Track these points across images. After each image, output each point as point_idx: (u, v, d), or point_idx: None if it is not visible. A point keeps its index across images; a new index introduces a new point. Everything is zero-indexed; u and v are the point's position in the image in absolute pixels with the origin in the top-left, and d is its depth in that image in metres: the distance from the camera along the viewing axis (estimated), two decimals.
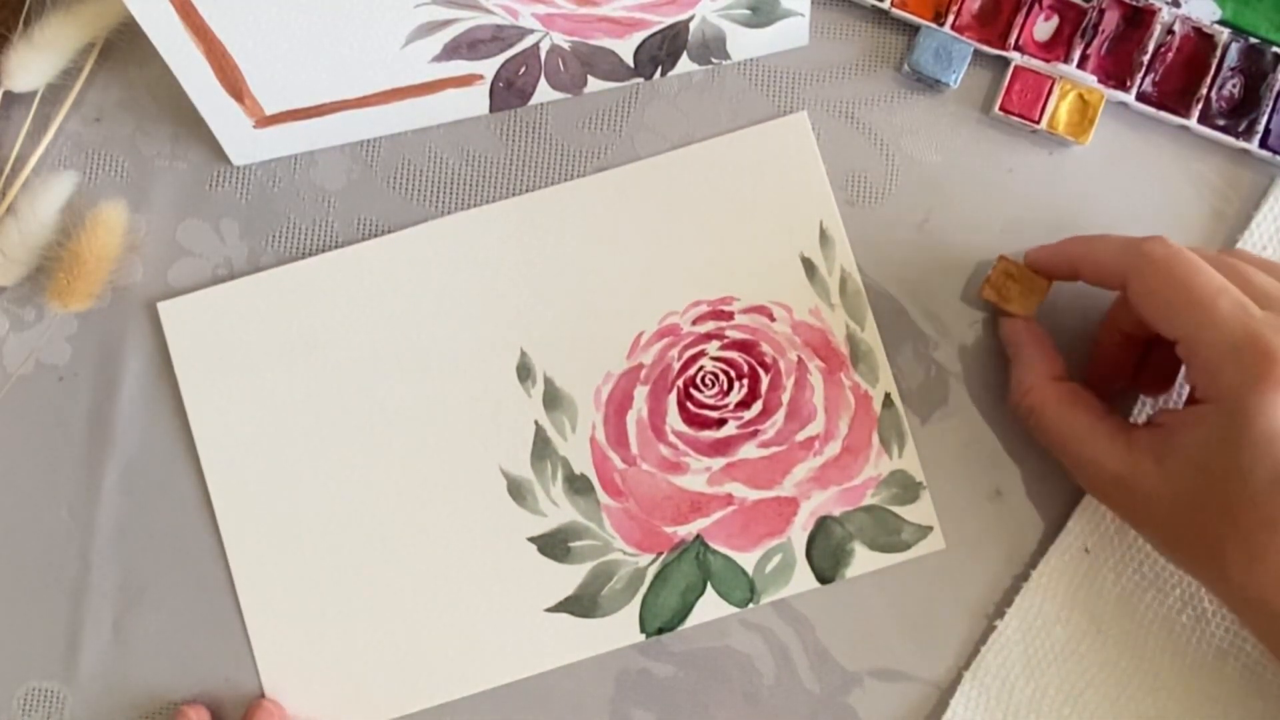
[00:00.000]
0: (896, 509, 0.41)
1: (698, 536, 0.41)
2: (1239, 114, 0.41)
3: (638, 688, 0.41)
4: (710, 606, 0.40)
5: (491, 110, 0.43)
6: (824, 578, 0.40)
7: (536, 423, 0.41)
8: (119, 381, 0.42)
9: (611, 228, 0.42)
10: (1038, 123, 0.42)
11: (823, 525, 0.40)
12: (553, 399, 0.41)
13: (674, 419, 0.41)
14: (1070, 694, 0.40)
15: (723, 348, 0.41)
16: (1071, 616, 0.40)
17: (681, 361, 0.41)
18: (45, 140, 0.43)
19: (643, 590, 0.40)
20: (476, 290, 0.42)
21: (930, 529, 0.40)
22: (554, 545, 0.41)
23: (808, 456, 0.41)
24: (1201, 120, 0.41)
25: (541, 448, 0.41)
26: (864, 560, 0.40)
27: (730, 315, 0.41)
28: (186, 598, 0.41)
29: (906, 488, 0.41)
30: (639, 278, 0.42)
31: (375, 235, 0.43)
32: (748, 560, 0.41)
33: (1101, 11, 0.41)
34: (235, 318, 0.42)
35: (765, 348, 0.41)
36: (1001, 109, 0.42)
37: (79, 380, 0.42)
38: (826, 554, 0.40)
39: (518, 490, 0.41)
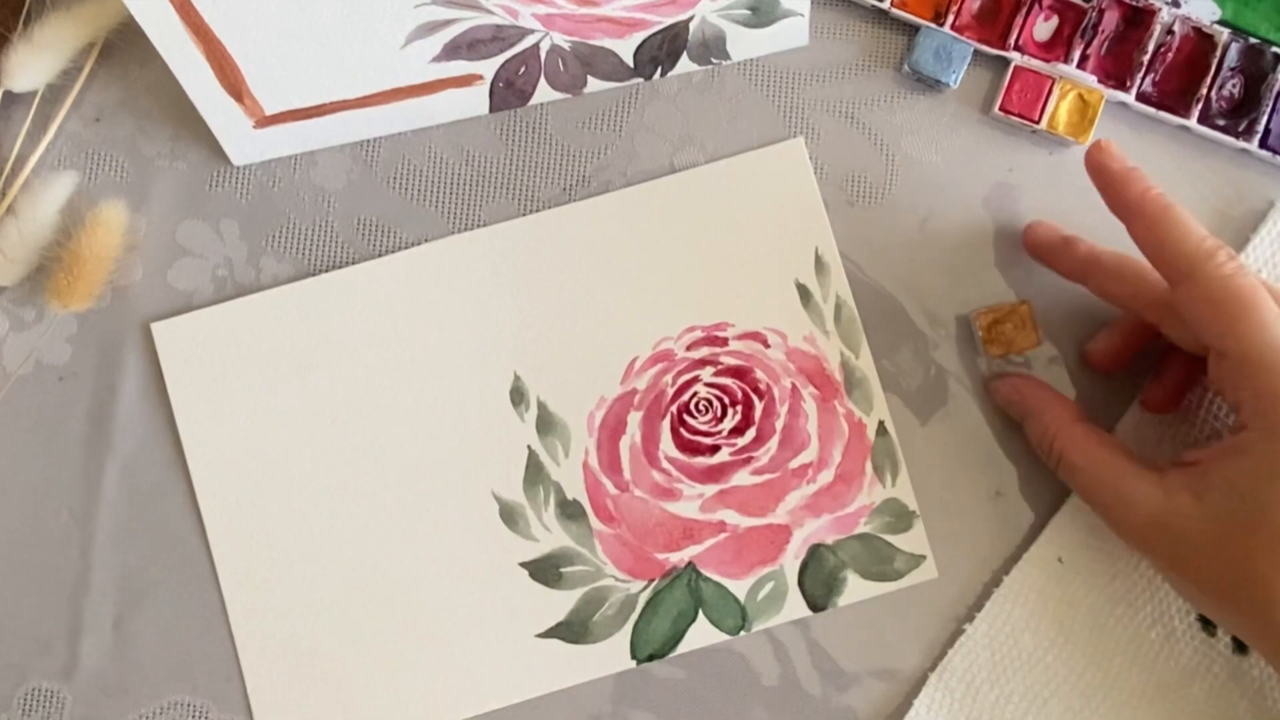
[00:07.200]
0: (889, 537, 0.40)
1: (690, 563, 0.40)
2: (1239, 114, 0.41)
3: (637, 688, 0.41)
4: (702, 633, 0.40)
5: (491, 110, 0.43)
6: (816, 605, 0.40)
7: (529, 447, 0.41)
8: (119, 382, 0.42)
9: (606, 252, 0.42)
10: (1038, 123, 0.42)
11: (815, 553, 0.40)
12: (546, 423, 0.41)
13: (667, 445, 0.41)
14: (1034, 702, 0.39)
15: (717, 374, 0.41)
16: (1040, 625, 0.40)
17: (675, 387, 0.41)
18: (45, 140, 0.43)
19: (634, 617, 0.40)
20: (471, 313, 0.42)
21: (923, 558, 0.40)
22: (546, 571, 0.41)
23: (801, 484, 0.41)
24: (1201, 120, 0.41)
25: (534, 472, 0.41)
26: (856, 589, 0.40)
27: (725, 341, 0.41)
28: (187, 597, 0.41)
29: (899, 516, 0.41)
30: (633, 302, 0.42)
31: (375, 235, 0.43)
32: (740, 588, 0.40)
33: (1101, 11, 0.41)
34: (228, 339, 0.41)
35: (759, 374, 0.41)
36: (1001, 109, 0.42)
37: (79, 380, 0.42)
38: (819, 582, 0.40)
39: (510, 515, 0.41)
